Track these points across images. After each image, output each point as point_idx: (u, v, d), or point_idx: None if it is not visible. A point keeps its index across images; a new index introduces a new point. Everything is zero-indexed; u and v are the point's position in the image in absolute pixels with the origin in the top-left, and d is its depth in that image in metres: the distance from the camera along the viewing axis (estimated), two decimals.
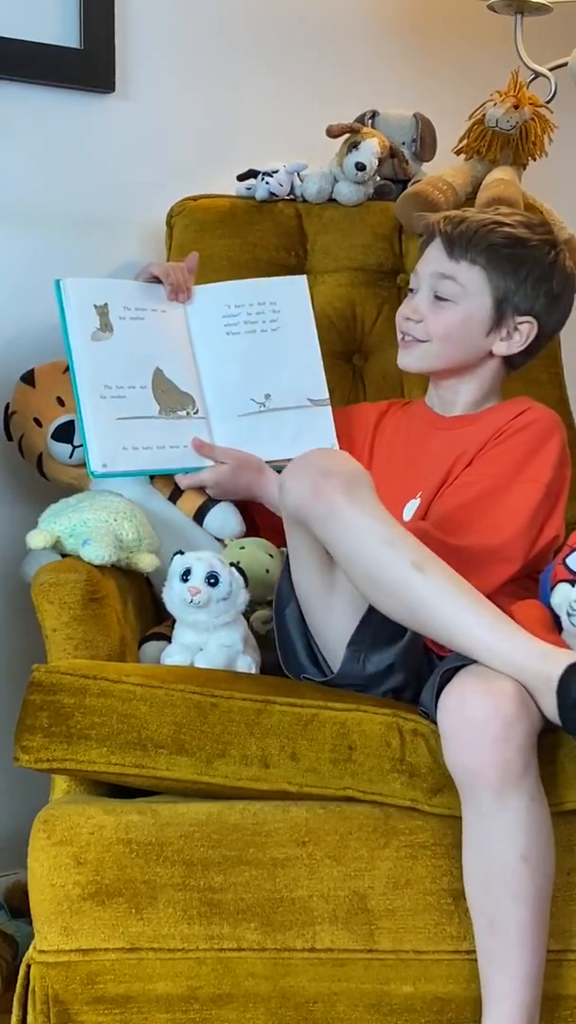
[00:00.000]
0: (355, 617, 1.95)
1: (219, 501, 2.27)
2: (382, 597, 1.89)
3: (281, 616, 2.04)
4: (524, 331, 2.20)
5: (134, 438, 2.22)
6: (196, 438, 2.26)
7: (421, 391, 2.36)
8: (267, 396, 2.33)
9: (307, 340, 2.37)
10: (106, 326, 2.24)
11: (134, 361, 2.25)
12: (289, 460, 2.24)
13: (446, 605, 1.84)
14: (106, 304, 2.25)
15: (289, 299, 2.39)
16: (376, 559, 1.87)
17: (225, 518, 2.26)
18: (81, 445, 2.25)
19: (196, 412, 2.28)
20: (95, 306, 2.24)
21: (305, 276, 2.45)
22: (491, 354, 2.22)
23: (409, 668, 1.96)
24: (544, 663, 1.79)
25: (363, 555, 1.88)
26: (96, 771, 1.87)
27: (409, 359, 2.24)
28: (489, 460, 2.14)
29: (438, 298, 2.20)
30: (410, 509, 2.18)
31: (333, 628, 1.99)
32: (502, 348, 2.21)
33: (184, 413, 2.27)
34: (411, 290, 2.25)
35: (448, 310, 2.19)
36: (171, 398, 2.26)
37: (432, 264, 2.22)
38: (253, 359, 2.33)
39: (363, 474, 1.93)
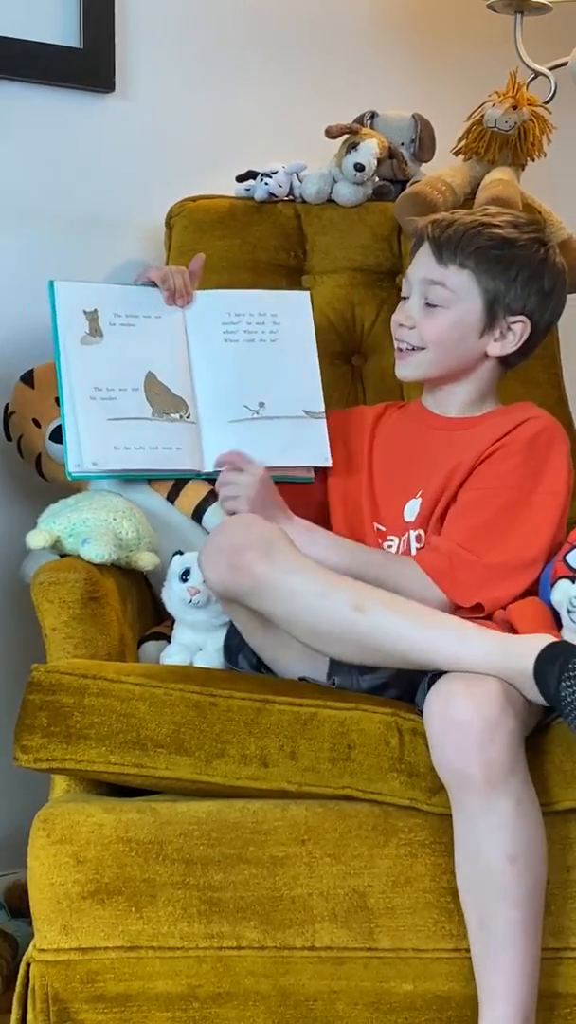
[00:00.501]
0: (311, 656, 1.96)
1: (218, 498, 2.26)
2: (333, 647, 1.91)
3: (235, 663, 2.05)
4: (517, 331, 2.20)
5: (125, 438, 2.20)
6: (234, 452, 2.22)
7: (419, 391, 2.36)
8: (261, 404, 2.31)
9: (306, 354, 2.36)
10: (96, 331, 2.24)
11: (125, 365, 2.24)
12: (283, 469, 2.26)
13: (398, 635, 1.86)
14: (96, 310, 2.24)
15: (291, 313, 2.38)
16: (315, 614, 1.88)
17: (223, 516, 2.25)
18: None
19: (188, 416, 2.27)
20: (84, 311, 2.23)
21: (308, 292, 2.45)
22: (486, 355, 2.21)
23: (403, 681, 1.96)
24: (512, 660, 1.80)
25: (302, 614, 1.89)
26: (95, 771, 1.87)
27: (406, 369, 2.23)
28: (502, 473, 2.12)
29: (429, 304, 2.19)
30: (411, 509, 2.18)
31: (296, 669, 2.00)
32: (496, 349, 2.20)
33: (177, 416, 2.26)
34: (404, 297, 2.25)
35: (440, 315, 2.18)
36: (164, 401, 2.25)
37: (422, 269, 2.20)
38: (249, 367, 2.32)
39: (276, 534, 1.94)
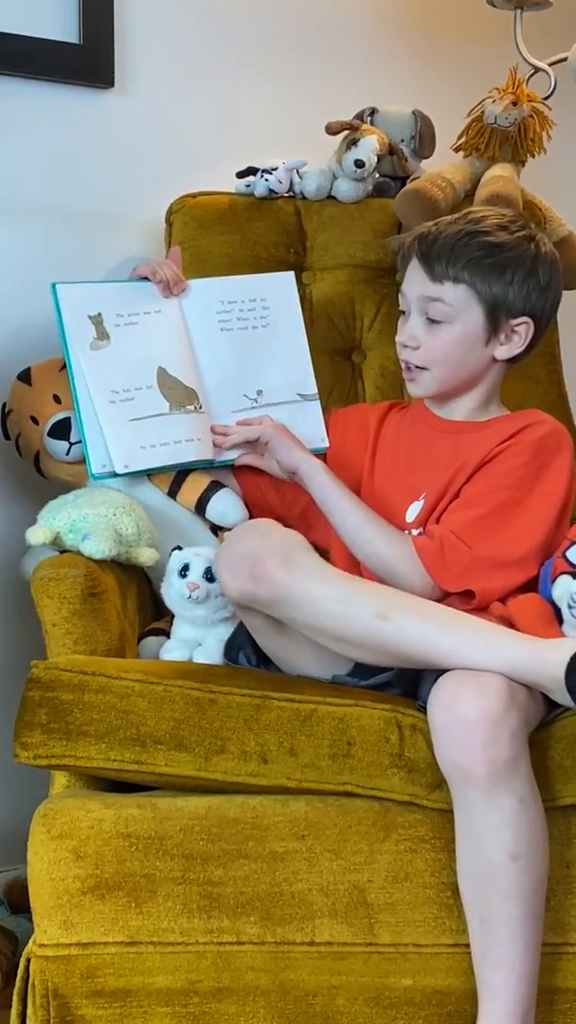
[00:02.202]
0: (324, 657, 1.96)
1: (221, 488, 2.27)
2: (355, 651, 1.91)
3: (235, 660, 2.05)
4: (522, 332, 2.18)
5: (149, 437, 2.22)
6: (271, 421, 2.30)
7: None
8: (259, 392, 2.34)
9: (296, 336, 2.38)
10: (102, 335, 2.24)
11: (135, 364, 2.26)
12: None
13: (422, 642, 1.85)
14: (100, 313, 2.25)
15: (278, 295, 2.39)
16: (338, 621, 1.88)
17: (228, 504, 2.26)
18: (79, 442, 2.25)
19: (200, 407, 2.28)
20: (89, 317, 2.24)
21: (292, 272, 2.45)
22: (494, 360, 2.20)
23: (405, 679, 1.96)
24: (542, 666, 1.80)
25: (324, 621, 1.89)
26: (95, 767, 1.87)
27: (417, 388, 2.21)
28: (505, 471, 2.12)
29: (431, 320, 2.17)
30: (413, 511, 2.17)
31: (305, 670, 2.00)
32: (504, 352, 2.19)
33: (192, 408, 2.27)
34: (402, 312, 2.23)
35: (444, 331, 2.16)
36: (178, 394, 2.27)
37: (417, 287, 2.18)
38: (246, 355, 2.34)
39: (295, 539, 1.94)
